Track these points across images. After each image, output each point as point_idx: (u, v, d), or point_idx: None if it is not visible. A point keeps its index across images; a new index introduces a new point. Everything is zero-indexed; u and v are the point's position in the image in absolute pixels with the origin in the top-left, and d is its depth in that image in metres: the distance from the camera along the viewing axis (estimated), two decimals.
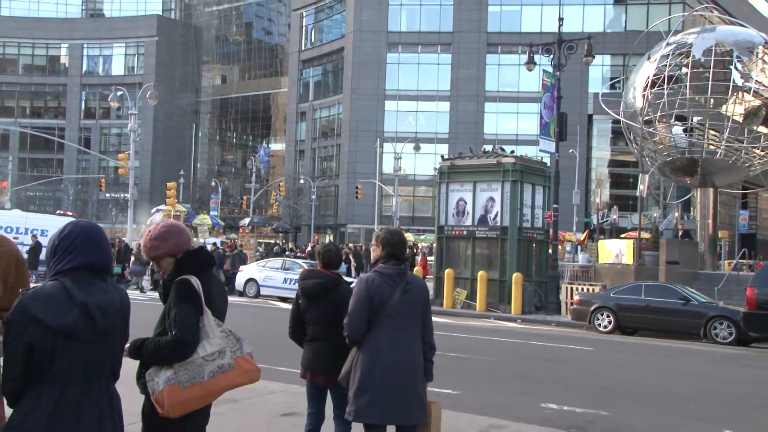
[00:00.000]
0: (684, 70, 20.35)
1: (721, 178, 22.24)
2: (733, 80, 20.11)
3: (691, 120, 21.35)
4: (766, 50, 20.76)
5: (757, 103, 20.65)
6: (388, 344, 3.41)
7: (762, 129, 20.99)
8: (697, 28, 23.14)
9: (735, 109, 20.77)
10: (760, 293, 11.69)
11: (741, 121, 20.72)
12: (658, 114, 20.81)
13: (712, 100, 20.69)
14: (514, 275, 16.09)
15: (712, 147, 20.83)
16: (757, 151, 21.29)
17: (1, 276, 2.81)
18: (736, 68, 20.11)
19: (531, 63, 19.84)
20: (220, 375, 2.63)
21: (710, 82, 19.97)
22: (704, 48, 20.13)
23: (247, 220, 43.13)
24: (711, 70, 19.87)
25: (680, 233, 25.29)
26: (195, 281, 2.71)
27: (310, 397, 4.08)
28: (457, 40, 45.92)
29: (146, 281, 20.53)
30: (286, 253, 27.36)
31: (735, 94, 20.45)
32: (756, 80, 20.46)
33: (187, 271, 2.76)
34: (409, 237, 30.24)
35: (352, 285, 3.81)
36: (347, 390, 3.52)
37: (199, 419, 2.82)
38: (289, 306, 16.71)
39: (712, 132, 21.12)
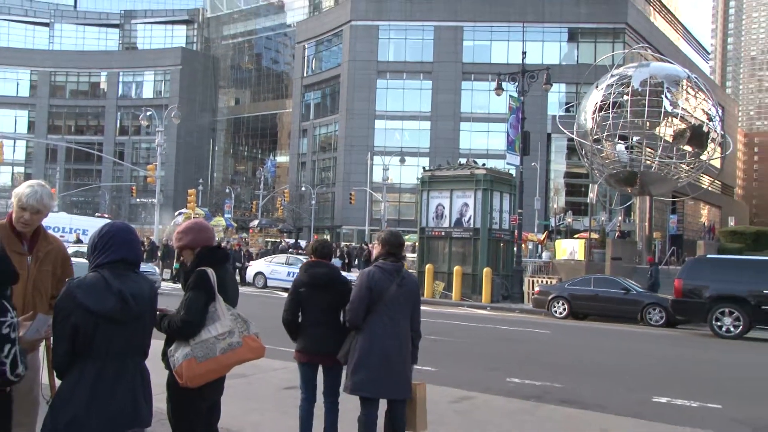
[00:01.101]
0: (625, 97, 20.67)
1: (655, 188, 22.57)
2: (665, 107, 20.53)
3: (632, 139, 21.66)
4: (689, 83, 21.26)
5: (683, 126, 21.12)
6: (383, 330, 3.40)
7: (687, 148, 21.42)
8: (635, 63, 23.52)
9: (666, 131, 21.19)
10: (686, 284, 11.89)
11: (671, 141, 21.12)
12: (605, 134, 21.09)
13: (648, 123, 21.03)
14: (485, 270, 16.14)
15: (648, 162, 21.15)
16: (684, 166, 21.72)
17: (51, 269, 2.82)
18: (666, 97, 20.53)
19: (499, 89, 19.98)
20: (230, 351, 2.64)
21: (646, 108, 20.34)
22: (641, 80, 20.50)
23: (256, 222, 42.88)
24: (647, 98, 20.23)
25: (617, 234, 25.59)
26: (211, 272, 2.71)
27: (307, 379, 3.78)
28: (436, 69, 46.05)
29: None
30: (290, 250, 27.23)
31: (666, 118, 20.87)
32: (682, 107, 20.97)
33: (205, 264, 2.76)
34: None
35: (352, 281, 3.70)
36: (343, 368, 3.51)
37: (214, 390, 2.82)
38: None
39: (648, 149, 21.45)
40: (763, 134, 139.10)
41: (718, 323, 11.46)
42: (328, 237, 46.15)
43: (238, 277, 19.75)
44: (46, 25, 67.50)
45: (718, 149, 22.46)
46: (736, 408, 5.94)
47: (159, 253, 20.77)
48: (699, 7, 70.06)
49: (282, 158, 62.57)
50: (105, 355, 2.17)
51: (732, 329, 11.35)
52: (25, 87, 61.27)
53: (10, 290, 2.07)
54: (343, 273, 4.46)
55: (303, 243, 28.01)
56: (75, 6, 69.87)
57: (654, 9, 56.88)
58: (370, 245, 24.11)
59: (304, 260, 20.59)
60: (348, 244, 34.84)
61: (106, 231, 2.33)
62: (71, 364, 2.17)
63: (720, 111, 23.82)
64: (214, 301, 2.68)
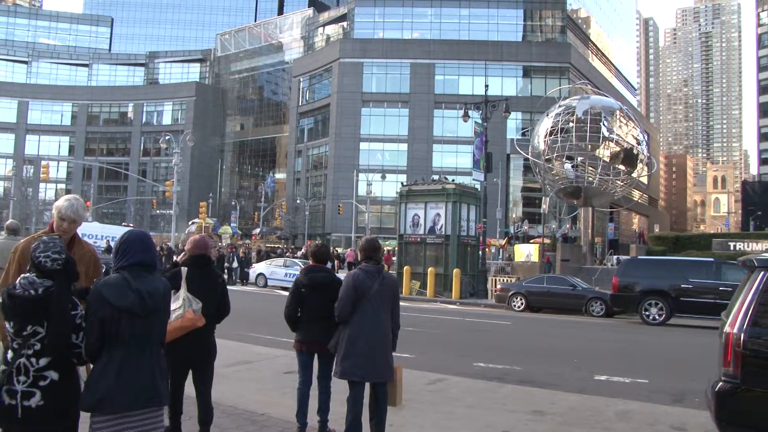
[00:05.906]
0: (571, 124, 21.09)
1: (596, 200, 23.01)
2: (603, 133, 21.04)
3: (576, 159, 22.12)
4: (622, 114, 21.89)
5: (618, 149, 21.66)
6: (367, 322, 3.39)
7: (621, 167, 21.97)
8: (578, 96, 24.07)
9: (604, 152, 21.69)
10: (621, 281, 12.12)
11: (608, 161, 21.63)
12: (555, 155, 21.47)
13: (589, 146, 21.48)
14: (454, 270, 16.15)
15: (590, 178, 21.57)
16: (619, 182, 22.21)
17: (84, 270, 2.84)
18: (604, 125, 21.04)
19: (466, 116, 20.07)
20: (176, 320, 3.08)
21: (588, 133, 20.79)
22: (583, 110, 20.99)
23: (258, 230, 42.46)
24: (588, 125, 20.69)
25: (562, 238, 26.02)
26: (183, 270, 3.24)
27: (304, 365, 3.79)
28: (412, 99, 46.47)
29: None
30: (287, 254, 26.91)
31: (604, 142, 21.37)
32: (617, 133, 21.52)
33: (185, 265, 3.33)
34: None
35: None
36: (335, 355, 3.49)
37: (186, 350, 3.17)
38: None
39: (590, 168, 21.92)
40: (679, 156, 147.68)
41: (647, 313, 11.68)
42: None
43: (228, 275, 19.28)
44: (86, 65, 70.70)
45: (645, 168, 23.10)
46: (659, 382, 6.07)
47: (175, 257, 20.26)
48: (626, 51, 72.99)
49: (280, 175, 62.31)
50: (128, 342, 2.19)
51: (657, 317, 11.59)
52: (67, 117, 62.95)
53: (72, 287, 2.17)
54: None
55: (304, 249, 27.83)
56: (109, 49, 74.37)
57: (591, 52, 58.68)
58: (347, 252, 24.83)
59: (300, 263, 20.10)
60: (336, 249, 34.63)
61: (126, 239, 2.33)
62: (102, 350, 2.19)
63: (646, 137, 24.57)
64: (180, 288, 3.17)
